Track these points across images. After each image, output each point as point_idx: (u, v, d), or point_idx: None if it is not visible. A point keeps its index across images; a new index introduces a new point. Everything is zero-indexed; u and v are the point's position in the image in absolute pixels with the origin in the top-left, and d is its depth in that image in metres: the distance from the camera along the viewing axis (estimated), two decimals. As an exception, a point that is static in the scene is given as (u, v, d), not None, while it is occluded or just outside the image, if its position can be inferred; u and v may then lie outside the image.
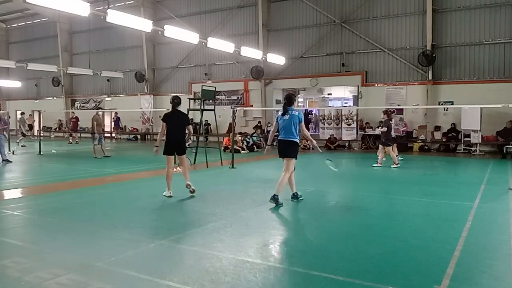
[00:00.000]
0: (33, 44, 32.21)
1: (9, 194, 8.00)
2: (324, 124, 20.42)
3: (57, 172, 11.55)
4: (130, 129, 27.60)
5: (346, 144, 20.07)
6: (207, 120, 21.28)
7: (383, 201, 7.49)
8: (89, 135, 21.41)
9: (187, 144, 15.97)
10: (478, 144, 16.73)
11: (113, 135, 28.67)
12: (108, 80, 28.63)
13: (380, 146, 12.67)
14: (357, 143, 19.82)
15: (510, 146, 14.75)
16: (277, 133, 7.17)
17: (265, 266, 4.03)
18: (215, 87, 13.71)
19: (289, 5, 21.43)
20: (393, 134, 13.46)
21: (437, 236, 5.14)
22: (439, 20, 17.95)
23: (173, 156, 7.62)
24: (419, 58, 17.80)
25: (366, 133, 19.23)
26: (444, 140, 17.71)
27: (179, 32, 14.36)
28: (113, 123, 27.58)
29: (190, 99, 15.02)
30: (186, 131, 7.74)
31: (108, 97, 28.95)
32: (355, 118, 19.62)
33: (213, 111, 13.03)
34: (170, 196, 7.38)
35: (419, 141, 18.15)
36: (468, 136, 16.98)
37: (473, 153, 16.78)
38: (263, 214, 6.33)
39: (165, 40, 20.50)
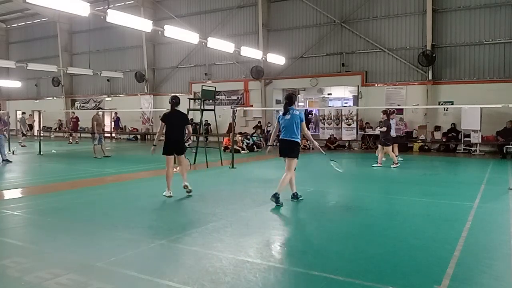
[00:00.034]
0: (33, 44, 32.21)
1: (9, 194, 8.00)
2: (324, 124, 20.42)
3: (57, 172, 11.55)
4: (130, 129, 27.60)
5: (346, 144, 20.07)
6: (207, 120, 21.28)
7: (383, 201, 7.49)
8: (89, 135, 21.42)
9: (187, 144, 15.99)
10: (478, 144, 16.74)
11: (113, 135, 28.66)
12: (108, 80, 28.63)
13: (379, 146, 12.67)
14: (357, 143, 19.83)
15: (510, 146, 14.74)
16: (279, 133, 7.17)
17: (265, 266, 4.03)
18: (215, 87, 13.71)
19: (289, 5, 21.43)
20: (394, 134, 13.47)
21: (437, 236, 5.14)
22: (439, 20, 17.95)
23: (172, 156, 7.61)
24: (419, 58, 17.80)
25: (366, 133, 19.23)
26: (444, 140, 17.71)
27: (179, 32, 14.37)
28: (113, 123, 27.58)
29: (190, 99, 15.01)
30: (186, 131, 7.74)
31: (108, 97, 28.95)
32: (355, 118, 19.63)
33: (213, 111, 13.03)
34: (170, 196, 7.38)
35: (419, 141, 18.15)
36: (468, 136, 16.98)
37: (473, 153, 16.78)
38: (263, 214, 6.33)
39: (165, 40, 20.51)
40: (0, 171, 11.51)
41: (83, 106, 30.35)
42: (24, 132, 21.18)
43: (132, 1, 25.52)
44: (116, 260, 4.17)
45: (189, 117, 14.77)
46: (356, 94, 20.51)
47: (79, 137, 25.86)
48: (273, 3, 21.98)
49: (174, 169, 7.78)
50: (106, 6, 13.38)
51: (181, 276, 3.78)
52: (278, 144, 7.21)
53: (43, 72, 29.46)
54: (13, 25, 33.46)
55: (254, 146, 18.57)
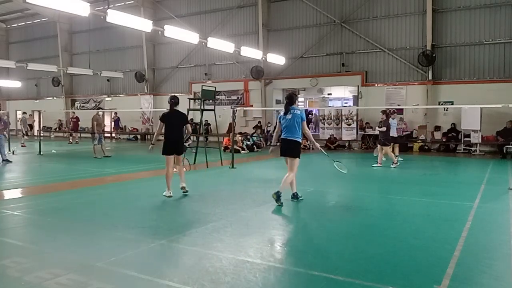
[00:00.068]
0: (33, 44, 32.21)
1: (9, 194, 8.00)
2: (324, 124, 20.42)
3: (57, 172, 11.55)
4: (130, 129, 27.60)
5: (346, 144, 20.07)
6: (207, 120, 21.28)
7: (383, 201, 7.49)
8: (89, 135, 21.42)
9: (187, 144, 16.00)
10: (478, 144, 16.74)
11: (113, 135, 28.66)
12: (108, 80, 28.63)
13: (378, 146, 12.66)
14: (357, 143, 19.83)
15: (510, 146, 14.74)
16: (280, 133, 7.18)
17: (265, 266, 4.03)
18: (215, 87, 13.72)
19: (289, 5, 21.43)
20: (395, 134, 13.47)
21: (437, 236, 5.14)
22: (439, 20, 17.95)
23: (172, 156, 7.60)
24: (419, 58, 17.81)
25: (366, 133, 19.23)
26: (444, 140, 17.71)
27: (179, 32, 14.37)
28: (113, 123, 27.57)
29: (190, 99, 15.01)
30: (185, 131, 7.74)
31: (108, 97, 28.95)
32: (355, 118, 19.63)
33: (213, 111, 13.03)
34: (170, 196, 7.38)
35: (419, 141, 18.15)
36: (468, 136, 16.98)
37: (473, 153, 16.78)
38: (263, 214, 6.33)
39: (165, 40, 20.51)
40: (0, 171, 11.51)
41: (83, 106, 30.35)
42: (25, 132, 21.17)
43: (132, 1, 25.52)
44: (116, 260, 4.17)
45: (189, 117, 14.80)
46: (356, 94, 20.51)
47: (79, 137, 25.87)
48: (273, 3, 21.99)
49: (174, 169, 7.79)
50: (106, 6, 13.38)
51: (181, 276, 3.78)
52: (279, 143, 7.21)
53: (43, 72, 29.46)
54: (13, 25, 33.46)
55: (254, 146, 18.57)
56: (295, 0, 21.20)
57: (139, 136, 27.07)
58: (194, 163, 12.58)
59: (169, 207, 6.88)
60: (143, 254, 4.43)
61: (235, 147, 14.45)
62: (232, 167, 11.87)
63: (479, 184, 9.10)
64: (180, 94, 23.25)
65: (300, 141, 6.98)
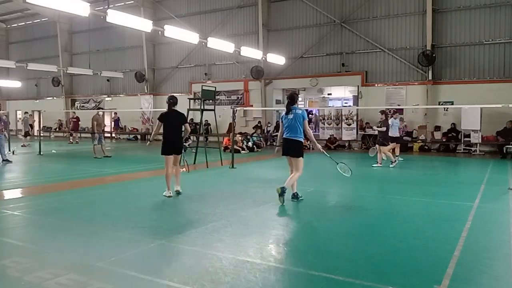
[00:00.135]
0: (33, 44, 32.21)
1: (9, 194, 8.00)
2: (324, 124, 20.43)
3: (57, 172, 11.56)
4: (130, 129, 27.60)
5: (346, 144, 20.08)
6: (207, 120, 21.28)
7: (383, 201, 7.49)
8: (89, 135, 21.41)
9: (187, 144, 15.98)
10: (478, 144, 16.74)
11: (113, 135, 28.66)
12: (108, 80, 28.63)
13: (377, 146, 12.66)
14: (357, 143, 19.83)
15: (510, 146, 14.74)
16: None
17: (265, 266, 4.03)
18: (215, 87, 13.72)
19: (289, 5, 21.43)
20: (397, 133, 13.47)
21: (437, 236, 5.14)
22: (439, 20, 17.95)
23: (171, 156, 7.59)
24: (419, 58, 17.81)
25: (366, 133, 19.23)
26: (444, 140, 17.72)
27: (179, 32, 14.37)
28: (113, 123, 27.57)
29: (190, 99, 15.01)
30: (183, 129, 7.74)
31: (108, 97, 28.95)
32: (355, 118, 19.64)
33: (213, 111, 13.03)
34: (170, 196, 7.38)
35: (419, 141, 18.16)
36: (468, 136, 16.99)
37: (473, 153, 16.79)
38: (263, 214, 6.33)
39: (165, 40, 20.51)
40: (0, 171, 11.51)
41: (83, 106, 30.35)
42: (26, 132, 21.12)
43: (132, 1, 25.52)
44: (116, 260, 4.17)
45: (190, 117, 14.76)
46: (356, 94, 20.50)
47: (79, 137, 25.87)
48: (273, 3, 21.98)
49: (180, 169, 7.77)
50: (106, 6, 13.37)
51: (181, 276, 3.77)
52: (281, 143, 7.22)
53: (43, 72, 29.46)
54: (13, 25, 33.46)
55: (254, 146, 18.57)
56: (295, 0, 21.20)
57: (139, 136, 27.07)
58: (194, 163, 12.58)
59: (169, 207, 6.88)
60: (143, 254, 4.43)
61: (235, 147, 14.45)
62: (232, 167, 11.87)
63: (479, 184, 9.10)
64: (180, 94, 23.24)
65: (303, 140, 6.99)
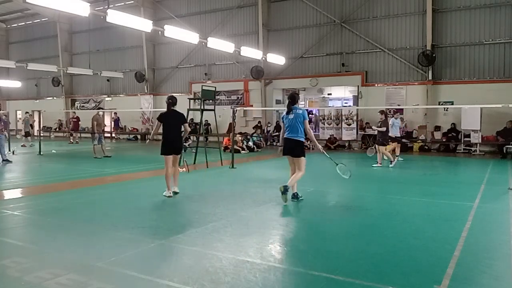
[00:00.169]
0: (33, 44, 32.21)
1: (9, 194, 8.00)
2: (324, 124, 20.43)
3: (57, 172, 11.55)
4: (130, 129, 27.60)
5: (346, 144, 20.07)
6: (207, 120, 21.28)
7: (383, 201, 7.49)
8: (89, 135, 21.41)
9: (187, 144, 15.97)
10: (478, 144, 16.74)
11: (113, 135, 28.66)
12: (108, 80, 28.63)
13: (376, 145, 12.66)
14: (357, 143, 19.83)
15: (510, 146, 14.74)
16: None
17: (265, 266, 4.02)
18: (215, 87, 13.72)
19: (289, 5, 21.43)
20: (398, 133, 13.48)
21: (437, 236, 5.14)
22: (439, 20, 17.95)
23: (171, 156, 7.59)
24: (419, 58, 17.81)
25: (366, 133, 19.23)
26: (444, 140, 17.72)
27: (179, 32, 14.37)
28: (112, 123, 27.58)
29: (190, 99, 15.01)
30: (183, 129, 7.74)
31: (108, 97, 28.95)
32: (355, 118, 19.64)
33: (213, 111, 13.03)
34: (170, 196, 7.39)
35: (419, 141, 18.16)
36: (468, 136, 16.99)
37: (473, 153, 16.78)
38: (263, 214, 6.33)
39: (165, 40, 20.52)
40: (0, 171, 11.51)
41: (83, 106, 30.36)
42: (27, 133, 21.11)
43: (132, 1, 25.52)
44: (116, 260, 4.17)
45: (190, 117, 14.73)
46: (356, 94, 20.50)
47: (79, 137, 25.86)
48: (273, 3, 21.98)
49: (179, 169, 7.78)
50: (106, 6, 13.37)
51: (181, 276, 3.77)
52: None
53: (43, 72, 29.46)
54: (13, 25, 33.46)
55: (254, 146, 18.57)
56: (295, 0, 21.20)
57: (139, 136, 27.07)
58: (194, 163, 12.58)
59: (169, 207, 6.88)
60: (143, 254, 4.43)
61: (235, 147, 14.45)
62: (232, 167, 11.87)
63: (479, 184, 9.10)
64: (180, 94, 23.26)
65: (304, 140, 7.00)
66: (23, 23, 32.66)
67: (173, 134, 7.56)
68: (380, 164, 12.27)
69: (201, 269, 3.93)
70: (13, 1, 25.80)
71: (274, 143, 21.36)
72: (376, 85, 19.44)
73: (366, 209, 6.70)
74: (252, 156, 16.24)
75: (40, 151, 15.88)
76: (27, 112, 22.94)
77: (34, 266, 4.00)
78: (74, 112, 24.99)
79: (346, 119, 19.70)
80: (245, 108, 21.65)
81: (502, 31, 16.81)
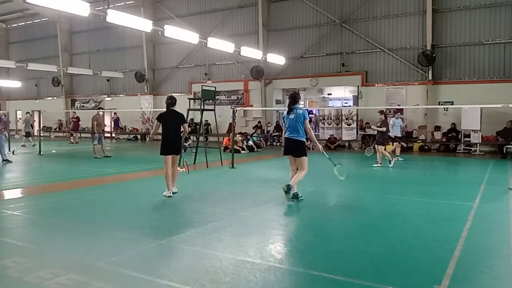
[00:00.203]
0: (33, 44, 32.21)
1: (9, 194, 8.00)
2: (324, 124, 20.43)
3: (57, 172, 11.55)
4: (130, 129, 27.60)
5: (346, 144, 20.08)
6: (207, 120, 21.28)
7: (383, 201, 7.49)
8: (89, 135, 21.41)
9: (186, 144, 15.96)
10: (478, 144, 16.74)
11: (113, 135, 28.66)
12: (108, 80, 28.63)
13: (376, 145, 12.66)
14: (357, 143, 19.83)
15: (510, 146, 14.75)
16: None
17: (265, 266, 4.02)
18: (215, 87, 13.72)
19: (289, 5, 21.43)
20: (399, 133, 13.48)
21: (437, 236, 5.14)
22: (439, 20, 17.95)
23: (171, 156, 7.59)
24: (419, 58, 17.81)
25: (366, 133, 19.23)
26: (444, 140, 17.72)
27: (179, 32, 14.37)
28: (112, 123, 27.57)
29: (190, 99, 15.02)
30: (182, 129, 7.74)
31: (108, 97, 28.95)
32: (355, 118, 19.64)
33: (213, 111, 13.04)
34: (170, 196, 7.38)
35: (419, 141, 18.15)
36: (468, 136, 16.99)
37: (473, 153, 16.79)
38: (263, 214, 6.33)
39: (165, 40, 20.52)
40: (0, 171, 11.51)
41: (83, 106, 30.36)
42: (27, 133, 21.08)
43: (132, 1, 25.52)
44: (116, 260, 4.17)
45: (190, 117, 14.71)
46: (356, 94, 20.50)
47: (79, 137, 25.86)
48: (273, 3, 21.98)
49: (179, 169, 7.78)
50: (106, 6, 13.37)
51: (181, 276, 3.77)
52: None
53: (43, 72, 29.46)
54: (13, 25, 33.46)
55: (254, 146, 18.57)
56: (295, 0, 21.20)
57: (139, 136, 27.06)
58: (194, 163, 12.58)
59: (169, 207, 6.88)
60: (143, 254, 4.43)
61: (235, 147, 14.45)
62: (232, 167, 11.87)
63: (479, 184, 9.10)
64: (180, 94, 23.27)
65: (304, 140, 7.01)
66: (23, 23, 32.66)
67: (172, 134, 7.57)
68: (380, 164, 12.27)
69: (201, 269, 3.93)
70: (13, 1, 25.80)
71: (274, 143, 21.37)
72: (376, 85, 19.44)
73: (366, 209, 6.70)
74: (252, 156, 16.24)
75: (40, 151, 15.88)
76: (27, 112, 22.91)
77: (34, 266, 4.00)
78: (74, 112, 24.99)
79: (346, 119, 19.70)
80: (245, 108, 21.65)
81: (502, 31, 16.81)
